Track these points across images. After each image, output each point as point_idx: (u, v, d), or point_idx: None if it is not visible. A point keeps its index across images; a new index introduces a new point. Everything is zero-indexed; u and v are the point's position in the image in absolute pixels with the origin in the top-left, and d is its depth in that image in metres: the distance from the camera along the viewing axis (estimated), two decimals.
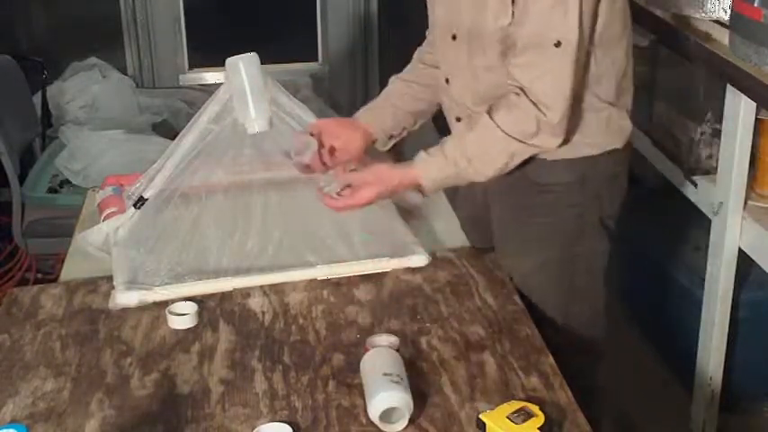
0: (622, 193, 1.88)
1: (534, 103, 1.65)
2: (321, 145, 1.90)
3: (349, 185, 1.79)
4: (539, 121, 1.66)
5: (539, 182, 1.81)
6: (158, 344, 1.67)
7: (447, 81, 1.85)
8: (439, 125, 2.01)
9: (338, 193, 1.80)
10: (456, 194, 2.15)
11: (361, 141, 1.94)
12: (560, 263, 1.84)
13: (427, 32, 1.99)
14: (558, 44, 1.62)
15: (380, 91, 2.04)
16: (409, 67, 2.03)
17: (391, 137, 2.00)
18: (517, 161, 1.72)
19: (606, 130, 1.79)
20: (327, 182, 1.86)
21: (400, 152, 2.04)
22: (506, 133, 1.68)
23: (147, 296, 1.77)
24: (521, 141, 1.68)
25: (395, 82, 2.02)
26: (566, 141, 1.72)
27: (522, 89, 1.66)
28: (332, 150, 1.91)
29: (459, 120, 1.85)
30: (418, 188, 1.77)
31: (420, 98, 1.99)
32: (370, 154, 1.98)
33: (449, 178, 1.75)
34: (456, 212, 2.13)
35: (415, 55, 2.03)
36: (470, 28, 1.73)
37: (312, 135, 1.91)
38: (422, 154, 1.76)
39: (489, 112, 1.70)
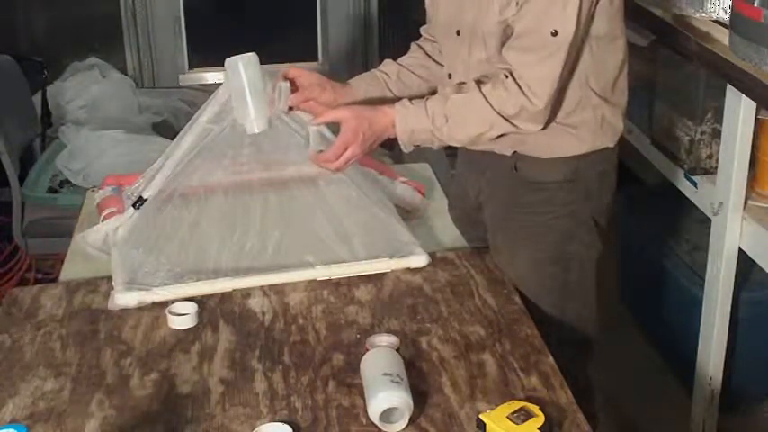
0: (612, 191, 1.89)
1: (521, 88, 1.67)
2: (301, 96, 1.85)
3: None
4: (522, 106, 1.68)
5: (532, 180, 1.82)
6: (158, 344, 1.67)
7: (450, 76, 1.86)
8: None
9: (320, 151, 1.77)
10: (449, 194, 2.15)
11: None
12: (553, 260, 1.84)
13: (422, 29, 2.00)
14: (554, 33, 1.65)
15: None
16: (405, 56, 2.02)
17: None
18: (493, 135, 1.73)
19: (600, 129, 1.81)
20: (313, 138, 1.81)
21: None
22: (490, 104, 1.69)
23: (147, 296, 1.77)
24: (501, 117, 1.70)
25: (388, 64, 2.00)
26: (546, 127, 1.73)
27: (511, 73, 1.68)
28: (306, 101, 1.87)
29: None
30: (391, 133, 1.74)
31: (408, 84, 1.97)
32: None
33: (422, 132, 1.74)
34: (449, 212, 2.13)
35: (413, 45, 2.03)
36: (473, 23, 1.75)
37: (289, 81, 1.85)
38: (405, 101, 1.76)
39: (478, 83, 1.72)
